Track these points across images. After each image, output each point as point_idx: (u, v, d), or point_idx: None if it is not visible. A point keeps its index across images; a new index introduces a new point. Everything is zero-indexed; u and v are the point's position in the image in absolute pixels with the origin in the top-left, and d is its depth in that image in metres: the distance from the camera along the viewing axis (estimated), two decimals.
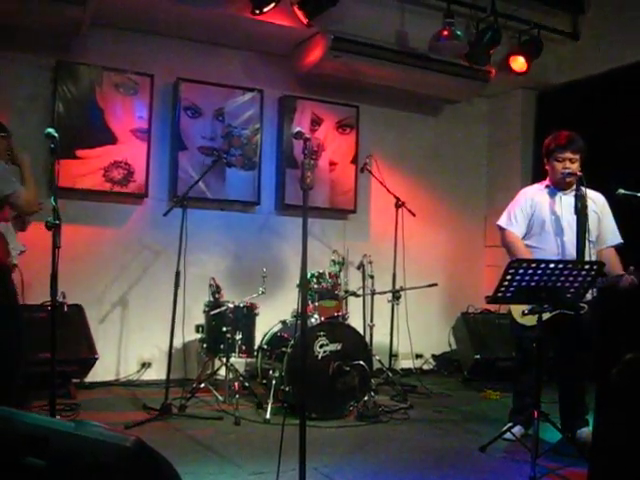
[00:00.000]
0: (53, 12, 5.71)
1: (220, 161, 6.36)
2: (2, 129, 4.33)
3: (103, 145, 6.46)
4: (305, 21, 6.32)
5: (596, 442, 2.55)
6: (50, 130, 3.89)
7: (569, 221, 4.60)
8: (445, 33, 6.65)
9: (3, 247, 4.18)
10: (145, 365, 6.64)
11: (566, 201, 4.69)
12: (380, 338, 6.74)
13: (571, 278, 3.96)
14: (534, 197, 4.83)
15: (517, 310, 4.59)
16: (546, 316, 4.26)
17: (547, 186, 4.85)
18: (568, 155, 4.66)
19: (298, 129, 3.53)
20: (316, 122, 7.45)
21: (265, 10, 6.14)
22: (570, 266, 3.95)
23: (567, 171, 4.62)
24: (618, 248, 4.76)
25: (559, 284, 3.97)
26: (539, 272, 3.88)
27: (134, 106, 6.61)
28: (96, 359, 5.88)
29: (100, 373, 6.25)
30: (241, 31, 6.72)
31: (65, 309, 5.80)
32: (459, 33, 6.70)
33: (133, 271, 6.65)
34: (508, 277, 3.90)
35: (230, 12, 6.31)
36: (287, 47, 7.10)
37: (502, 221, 4.89)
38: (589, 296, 4.38)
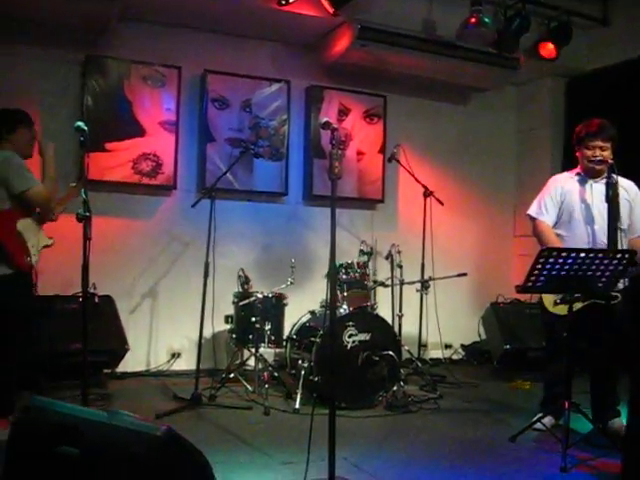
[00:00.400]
0: (82, 8, 5.75)
1: (248, 152, 6.37)
2: (23, 120, 4.35)
3: (132, 137, 6.50)
4: (331, 11, 6.29)
5: (629, 432, 2.52)
6: (80, 123, 3.92)
7: (600, 209, 4.55)
8: (473, 21, 6.58)
9: (20, 248, 4.21)
10: (175, 355, 6.70)
11: (597, 189, 4.64)
12: (409, 328, 6.73)
13: (602, 267, 3.92)
14: (564, 185, 4.78)
15: (548, 299, 4.56)
16: (577, 305, 4.22)
17: (578, 174, 4.80)
18: (599, 143, 4.61)
19: (325, 119, 3.53)
20: (343, 112, 7.43)
21: (291, 1, 6.13)
22: (601, 255, 3.91)
23: (597, 158, 4.57)
24: None
25: (590, 273, 3.93)
26: (569, 261, 3.85)
27: (162, 98, 6.65)
28: (127, 350, 5.94)
29: (131, 363, 6.32)
30: (268, 22, 6.72)
31: (96, 300, 5.86)
32: (487, 20, 6.63)
33: (162, 262, 6.71)
34: (538, 266, 3.87)
35: (256, 3, 6.31)
36: (314, 37, 7.08)
37: (532, 210, 4.85)
38: (621, 285, 4.34)
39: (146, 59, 6.59)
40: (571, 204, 4.70)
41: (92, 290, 5.73)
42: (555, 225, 4.76)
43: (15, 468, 2.40)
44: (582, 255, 3.87)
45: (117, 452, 2.19)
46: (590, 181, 4.71)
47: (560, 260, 3.85)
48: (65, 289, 5.65)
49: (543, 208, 4.79)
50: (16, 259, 4.17)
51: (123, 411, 2.31)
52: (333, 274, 3.51)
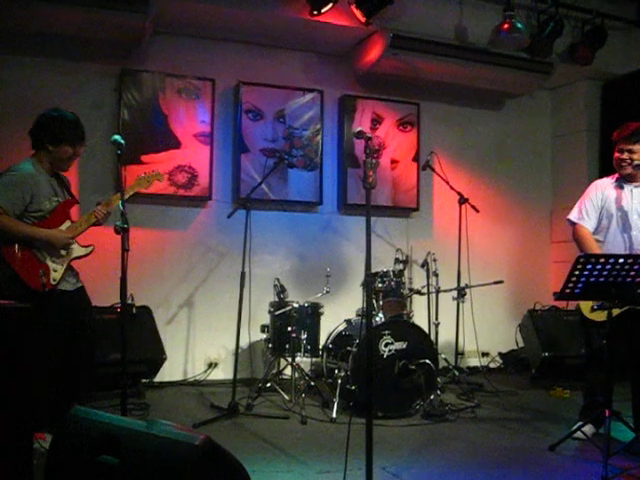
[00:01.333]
0: (116, 22, 5.87)
1: (282, 162, 6.41)
2: (70, 139, 4.25)
3: (167, 150, 6.58)
4: (363, 20, 6.33)
5: None
6: (116, 137, 3.96)
7: (639, 214, 4.49)
8: (506, 26, 6.56)
9: (32, 269, 4.07)
10: (212, 365, 6.73)
11: (637, 193, 4.59)
12: (446, 336, 6.69)
13: None
14: (604, 190, 4.74)
15: (586, 306, 4.50)
16: (616, 312, 4.16)
17: (617, 179, 4.75)
18: (629, 146, 4.60)
19: (359, 128, 3.53)
20: (377, 121, 7.44)
21: (323, 11, 6.19)
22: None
23: (626, 161, 4.57)
24: None
25: (629, 279, 3.87)
26: (608, 267, 3.80)
27: (197, 110, 6.72)
28: (164, 359, 6.00)
29: (168, 373, 6.38)
30: (300, 32, 6.76)
31: (134, 311, 5.94)
32: (520, 26, 6.60)
33: (199, 273, 6.76)
34: (576, 273, 3.82)
35: (288, 14, 6.36)
36: (346, 47, 7.12)
37: (573, 215, 4.81)
38: None
39: (180, 72, 6.68)
40: (610, 209, 4.66)
41: (130, 301, 5.82)
42: (595, 231, 4.71)
43: (56, 477, 2.44)
44: (620, 261, 3.81)
45: (156, 461, 2.22)
46: (629, 186, 4.66)
47: (598, 266, 3.79)
48: (104, 300, 5.72)
49: (584, 213, 4.74)
50: (27, 281, 4.05)
51: (161, 420, 2.33)
52: (369, 282, 3.50)
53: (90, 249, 4.37)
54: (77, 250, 4.31)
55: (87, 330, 4.34)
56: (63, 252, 4.23)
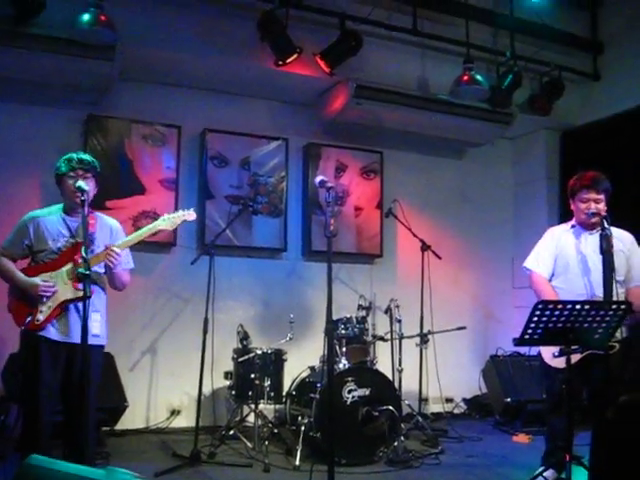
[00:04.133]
0: (83, 69, 5.90)
1: (246, 209, 6.45)
2: (64, 174, 4.18)
3: (132, 195, 6.60)
4: (327, 70, 6.47)
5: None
6: (81, 184, 3.98)
7: (595, 261, 4.57)
8: (465, 78, 6.73)
9: (21, 308, 4.09)
10: (175, 412, 6.65)
11: (592, 241, 4.67)
12: (409, 382, 6.70)
13: (598, 318, 3.92)
14: (560, 237, 4.83)
15: (547, 352, 4.56)
16: (576, 357, 4.22)
17: (573, 226, 4.84)
18: (593, 195, 4.65)
19: (321, 178, 3.59)
20: (341, 169, 7.54)
21: (288, 61, 6.30)
22: (597, 307, 3.92)
23: (591, 211, 4.61)
24: None
25: (586, 325, 3.93)
26: (565, 313, 3.85)
27: (162, 157, 6.77)
28: (126, 407, 5.91)
29: (130, 420, 6.28)
30: (265, 81, 6.87)
31: None
32: (479, 78, 6.77)
33: (162, 318, 6.72)
34: (535, 319, 3.87)
35: (254, 64, 6.48)
36: (311, 96, 7.24)
37: (529, 262, 4.89)
38: (619, 335, 4.34)
39: (146, 118, 6.73)
40: (566, 256, 4.73)
41: None
42: (552, 277, 4.79)
43: None
44: (578, 307, 3.87)
45: None
46: (585, 233, 4.75)
47: (557, 312, 3.85)
48: None
49: (539, 260, 4.83)
50: (15, 319, 4.12)
51: (120, 469, 2.32)
52: (330, 330, 3.53)
53: (81, 293, 3.91)
54: (66, 293, 4.09)
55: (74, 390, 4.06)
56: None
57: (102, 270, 4.26)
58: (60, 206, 4.30)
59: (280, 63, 6.32)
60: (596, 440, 2.35)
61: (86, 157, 4.27)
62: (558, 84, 7.45)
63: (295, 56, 6.28)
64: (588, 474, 2.60)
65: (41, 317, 4.05)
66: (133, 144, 6.66)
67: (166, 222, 4.48)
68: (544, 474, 4.51)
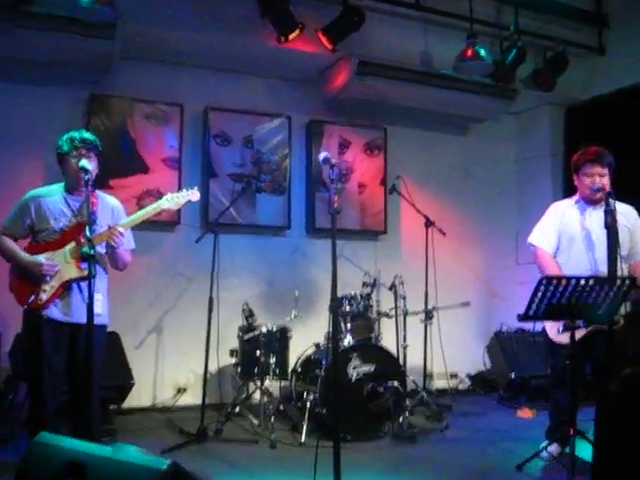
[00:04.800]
0: (85, 48, 5.87)
1: (250, 187, 6.44)
2: (65, 153, 4.19)
3: (135, 174, 6.60)
4: (330, 47, 6.42)
5: (597, 455, 2.51)
6: (84, 163, 3.96)
7: (599, 236, 4.56)
8: (469, 53, 6.68)
9: (24, 287, 4.11)
10: (181, 390, 6.70)
11: (596, 216, 4.66)
12: (414, 358, 6.72)
13: (602, 294, 3.93)
14: (564, 212, 4.82)
15: (551, 328, 4.57)
16: (580, 333, 4.24)
17: (577, 201, 4.83)
18: (597, 170, 4.64)
19: (325, 155, 3.58)
20: (344, 145, 7.51)
21: (290, 37, 6.25)
22: (600, 282, 3.93)
23: (596, 186, 4.60)
24: None
25: (591, 300, 3.94)
26: (569, 289, 3.86)
27: (165, 136, 6.75)
28: (132, 385, 5.95)
29: (137, 399, 6.33)
30: (268, 59, 6.83)
31: None
32: (483, 53, 6.72)
33: (167, 297, 6.74)
34: (539, 294, 3.88)
35: (256, 41, 6.43)
36: (313, 73, 7.19)
37: (533, 238, 4.88)
38: (623, 310, 4.35)
39: (148, 97, 6.71)
40: (571, 231, 4.73)
41: None
42: (556, 253, 4.79)
43: None
44: (582, 282, 3.88)
45: None
46: (589, 208, 4.74)
47: (560, 288, 3.86)
48: None
49: (544, 236, 4.82)
50: (18, 299, 4.13)
51: (128, 445, 2.34)
52: (335, 307, 3.54)
53: (85, 272, 3.91)
54: (69, 273, 4.11)
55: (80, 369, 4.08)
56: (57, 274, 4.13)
57: (103, 250, 4.26)
58: (61, 185, 4.29)
59: (282, 40, 6.27)
60: (600, 413, 2.36)
61: (88, 136, 4.25)
62: (562, 59, 7.38)
63: (297, 32, 6.23)
64: (592, 447, 2.62)
65: (44, 296, 4.07)
66: (136, 123, 6.64)
67: (170, 202, 4.47)
68: (548, 448, 4.55)
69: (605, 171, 4.64)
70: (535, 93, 7.67)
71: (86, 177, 3.91)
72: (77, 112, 6.48)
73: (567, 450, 4.22)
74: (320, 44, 6.43)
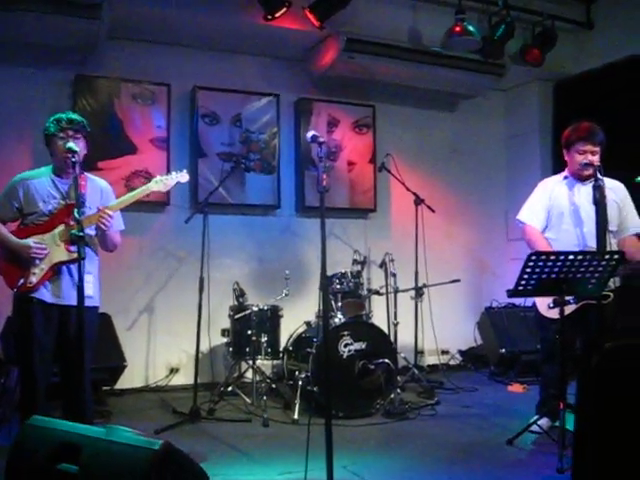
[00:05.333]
0: (70, 28, 5.82)
1: (239, 166, 6.42)
2: (46, 133, 4.15)
3: (123, 155, 6.56)
4: (317, 24, 6.37)
5: (578, 428, 2.53)
6: (71, 145, 3.93)
7: (588, 212, 4.58)
8: (457, 29, 6.67)
9: (13, 270, 4.08)
10: (173, 370, 6.72)
11: (585, 192, 4.68)
12: (405, 335, 6.77)
13: (591, 269, 3.96)
14: (553, 189, 4.83)
15: (541, 303, 4.60)
16: (570, 308, 4.27)
17: (566, 177, 4.84)
18: (589, 147, 4.63)
19: (313, 133, 3.56)
20: (333, 123, 7.49)
21: (277, 15, 6.20)
22: (589, 257, 3.95)
23: (584, 161, 4.61)
24: None
25: (579, 275, 3.97)
26: (559, 264, 3.89)
27: (152, 116, 6.71)
28: (125, 366, 5.96)
29: (129, 380, 6.34)
30: (255, 37, 6.78)
31: None
32: (471, 29, 6.71)
33: (158, 278, 6.75)
34: (528, 270, 3.91)
35: (243, 19, 6.39)
36: (301, 51, 7.16)
37: (522, 215, 4.90)
38: (612, 285, 4.38)
39: (135, 77, 6.66)
40: (560, 207, 4.74)
41: None
42: (545, 229, 4.81)
43: None
44: (571, 257, 3.91)
45: (116, 467, 2.23)
46: (578, 184, 4.75)
47: (550, 263, 3.88)
48: None
49: (532, 212, 4.83)
50: (7, 282, 4.11)
51: (121, 427, 2.35)
52: (325, 285, 3.55)
53: (74, 255, 3.88)
54: (58, 255, 4.09)
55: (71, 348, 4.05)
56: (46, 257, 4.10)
57: (93, 232, 4.24)
58: (49, 167, 4.25)
59: (269, 17, 6.22)
60: (581, 387, 2.39)
61: (75, 117, 4.21)
62: (551, 34, 7.36)
63: (284, 10, 6.18)
64: (574, 420, 2.66)
65: (34, 279, 4.04)
66: (123, 104, 6.59)
67: (159, 184, 4.46)
68: (538, 422, 4.58)
69: (597, 149, 4.64)
70: (524, 69, 7.66)
71: (73, 159, 3.88)
72: (63, 94, 6.44)
73: (557, 424, 4.27)
74: (308, 22, 6.38)
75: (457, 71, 7.34)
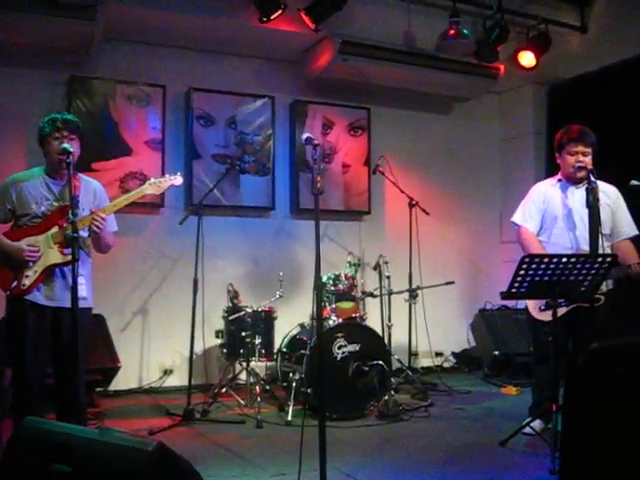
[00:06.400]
0: (66, 29, 5.83)
1: (234, 168, 6.42)
2: (40, 133, 4.15)
3: (118, 157, 6.56)
4: (312, 26, 6.38)
5: (565, 431, 2.54)
6: (66, 146, 3.93)
7: (581, 215, 4.61)
8: (452, 32, 6.69)
9: (4, 272, 4.05)
10: (167, 372, 6.72)
11: (578, 195, 4.70)
12: (399, 337, 6.78)
13: (584, 271, 3.97)
14: (546, 192, 4.85)
15: (533, 306, 4.62)
16: (562, 311, 4.28)
17: (559, 180, 4.86)
18: (580, 149, 4.66)
19: (307, 135, 3.57)
20: (327, 126, 7.50)
21: (272, 17, 6.21)
22: (582, 260, 3.97)
23: (578, 164, 4.63)
24: (634, 239, 4.76)
25: (572, 278, 3.98)
26: (552, 267, 3.90)
27: (147, 117, 6.72)
28: (119, 368, 5.96)
29: (123, 381, 6.34)
30: (250, 39, 6.79)
31: None
32: (466, 32, 6.73)
33: (152, 279, 6.75)
34: (521, 272, 3.92)
35: (238, 21, 6.40)
36: (296, 53, 7.17)
37: (516, 217, 4.92)
38: (604, 288, 4.40)
39: (130, 78, 6.67)
40: (553, 210, 4.77)
41: None
42: (539, 232, 4.83)
43: None
44: (564, 260, 3.92)
45: (109, 468, 2.23)
46: (571, 187, 4.77)
47: (543, 266, 3.90)
48: None
49: (527, 215, 4.86)
50: (0, 284, 4.09)
51: (114, 428, 2.35)
52: (319, 286, 3.55)
53: (68, 257, 3.92)
54: (52, 258, 4.06)
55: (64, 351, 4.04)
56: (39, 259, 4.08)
57: (86, 234, 4.21)
58: (42, 168, 4.22)
59: (264, 19, 6.23)
60: (567, 387, 2.41)
61: (70, 117, 4.20)
62: (545, 37, 7.38)
63: (279, 12, 6.19)
64: (562, 420, 2.68)
65: (27, 282, 4.02)
66: (118, 105, 6.60)
67: (153, 187, 4.45)
68: (532, 424, 4.60)
69: (588, 150, 4.67)
70: (517, 72, 7.68)
71: (67, 160, 3.87)
72: (58, 95, 6.44)
73: (550, 426, 4.29)
74: (303, 24, 6.40)
75: (451, 74, 7.37)
